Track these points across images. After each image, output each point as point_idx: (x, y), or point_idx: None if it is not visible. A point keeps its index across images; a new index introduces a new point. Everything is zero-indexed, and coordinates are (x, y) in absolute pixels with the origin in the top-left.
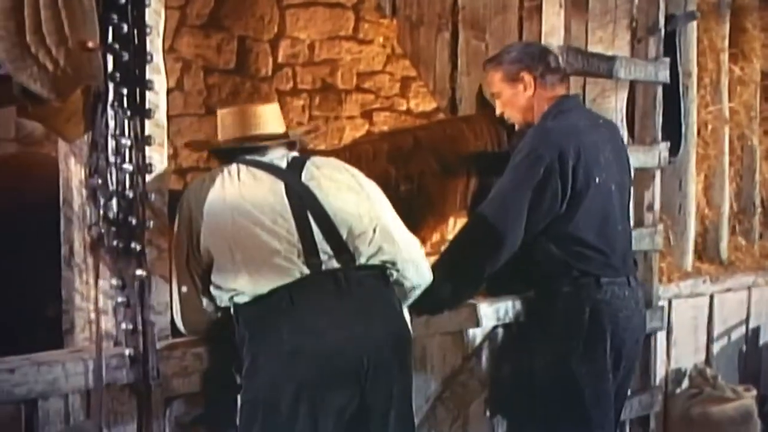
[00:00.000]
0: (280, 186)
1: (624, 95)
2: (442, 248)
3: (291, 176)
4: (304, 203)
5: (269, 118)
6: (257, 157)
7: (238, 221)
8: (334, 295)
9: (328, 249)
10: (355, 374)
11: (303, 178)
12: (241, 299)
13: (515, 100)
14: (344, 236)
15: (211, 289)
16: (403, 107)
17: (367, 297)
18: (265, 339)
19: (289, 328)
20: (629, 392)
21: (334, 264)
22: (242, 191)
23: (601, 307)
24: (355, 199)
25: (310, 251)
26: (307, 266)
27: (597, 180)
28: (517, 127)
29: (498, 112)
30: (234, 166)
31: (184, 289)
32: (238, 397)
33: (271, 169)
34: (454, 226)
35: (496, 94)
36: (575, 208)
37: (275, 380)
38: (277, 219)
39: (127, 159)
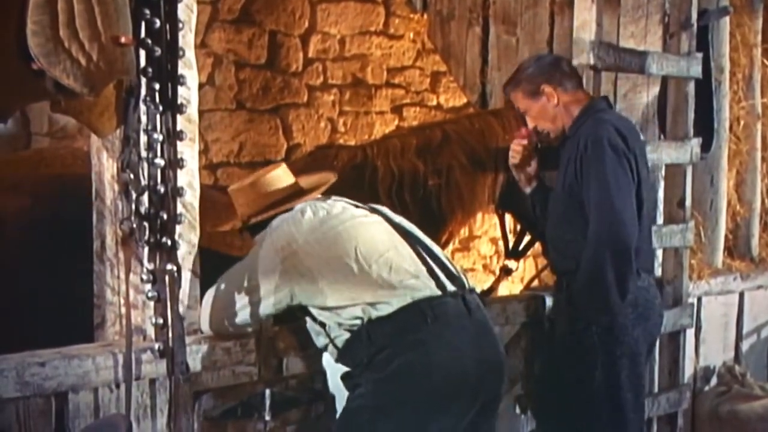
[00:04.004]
0: (380, 219)
1: (656, 91)
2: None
3: (380, 212)
4: (407, 234)
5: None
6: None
7: (368, 243)
8: (465, 315)
9: (441, 274)
10: (478, 392)
11: (389, 214)
12: (378, 313)
13: (543, 112)
14: (447, 263)
15: (328, 312)
16: (434, 102)
17: (485, 320)
18: (409, 350)
19: (434, 342)
20: (657, 389)
21: (452, 287)
22: (353, 217)
23: (642, 294)
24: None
25: (432, 274)
26: (437, 287)
27: (645, 173)
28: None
29: (530, 126)
30: (326, 203)
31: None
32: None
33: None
34: (482, 220)
35: (524, 111)
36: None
37: (413, 389)
38: (397, 246)
39: (158, 154)
